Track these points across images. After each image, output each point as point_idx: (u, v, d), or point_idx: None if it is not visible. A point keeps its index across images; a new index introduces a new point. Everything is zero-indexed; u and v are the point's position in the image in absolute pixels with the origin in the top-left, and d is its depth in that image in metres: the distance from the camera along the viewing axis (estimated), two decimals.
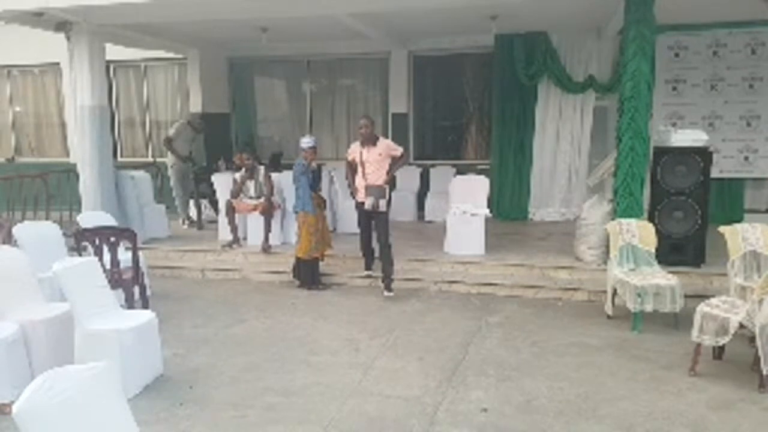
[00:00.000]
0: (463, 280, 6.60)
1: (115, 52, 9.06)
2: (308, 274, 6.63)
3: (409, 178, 9.95)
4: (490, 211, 7.48)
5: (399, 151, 6.37)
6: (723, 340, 4.17)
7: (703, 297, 4.74)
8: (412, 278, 6.70)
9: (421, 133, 10.50)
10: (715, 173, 7.18)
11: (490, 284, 6.49)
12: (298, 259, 6.63)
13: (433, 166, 9.97)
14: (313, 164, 6.58)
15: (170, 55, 10.27)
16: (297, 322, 5.63)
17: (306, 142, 6.52)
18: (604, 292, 5.72)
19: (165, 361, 4.50)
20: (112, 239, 5.33)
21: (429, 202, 9.42)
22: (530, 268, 6.67)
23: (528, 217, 9.46)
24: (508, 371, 4.44)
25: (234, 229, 7.57)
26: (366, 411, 3.83)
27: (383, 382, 4.28)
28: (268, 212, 7.39)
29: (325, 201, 7.04)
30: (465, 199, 7.29)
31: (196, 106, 10.05)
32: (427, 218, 9.32)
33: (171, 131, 8.89)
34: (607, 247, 5.80)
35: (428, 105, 10.46)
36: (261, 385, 4.22)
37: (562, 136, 9.30)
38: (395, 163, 6.37)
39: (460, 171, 9.02)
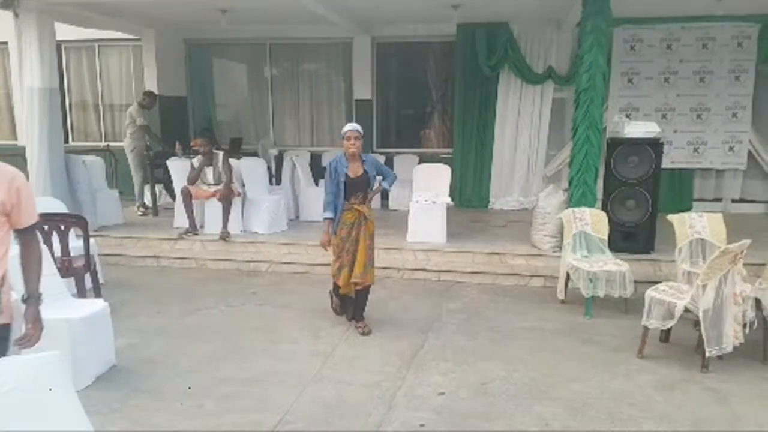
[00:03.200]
0: (425, 267, 6.66)
1: (66, 31, 8.75)
2: (333, 294, 5.28)
3: None
4: (452, 200, 7.54)
5: None
6: (669, 324, 4.34)
7: (652, 283, 4.89)
8: (375, 266, 6.70)
9: (385, 121, 10.50)
10: (666, 164, 7.41)
11: (451, 271, 6.57)
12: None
13: (397, 154, 10.00)
14: (362, 156, 4.83)
15: (125, 35, 9.98)
16: (257, 311, 5.59)
17: (349, 128, 4.77)
18: (558, 278, 5.86)
19: (118, 352, 4.41)
20: (62, 226, 5.18)
21: (393, 191, 9.41)
22: (490, 256, 6.77)
23: (489, 205, 9.59)
24: (466, 356, 4.52)
25: (191, 216, 7.43)
26: (325, 398, 3.84)
27: (343, 369, 4.30)
28: (226, 199, 7.29)
29: (363, 215, 4.81)
30: (428, 188, 7.34)
31: (151, 88, 9.81)
32: (391, 206, 9.34)
33: (139, 119, 8.64)
34: (562, 234, 5.94)
35: (392, 92, 10.46)
36: (218, 375, 4.18)
37: (522, 126, 9.43)
38: None
39: (424, 159, 9.06)
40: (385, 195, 9.56)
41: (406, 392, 3.92)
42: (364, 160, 4.83)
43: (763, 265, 4.46)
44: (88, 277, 5.38)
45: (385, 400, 3.81)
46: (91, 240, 5.51)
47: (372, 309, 5.54)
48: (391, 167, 9.93)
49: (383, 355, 4.51)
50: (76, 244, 5.41)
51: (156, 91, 9.42)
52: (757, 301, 4.34)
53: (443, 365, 4.34)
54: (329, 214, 4.79)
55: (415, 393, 3.90)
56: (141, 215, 8.76)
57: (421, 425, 3.49)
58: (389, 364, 4.35)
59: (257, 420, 3.56)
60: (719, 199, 9.28)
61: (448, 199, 7.30)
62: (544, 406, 3.74)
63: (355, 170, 4.78)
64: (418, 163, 8.64)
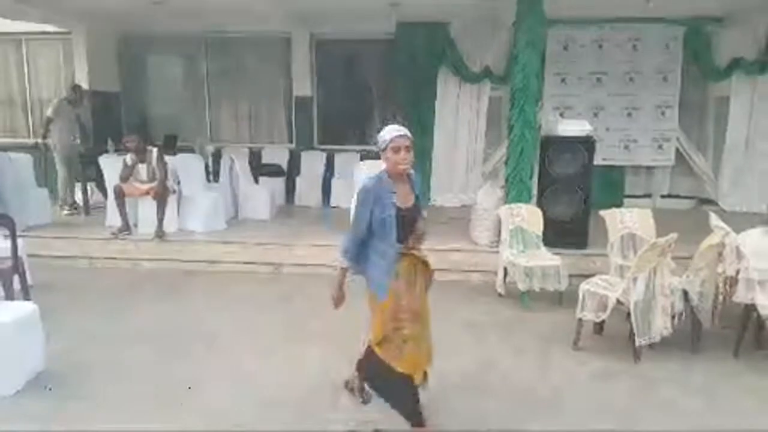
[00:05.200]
0: None
1: None
2: (385, 385, 3.32)
3: (314, 162, 9.92)
4: None
5: None
6: (602, 316, 4.51)
7: (586, 276, 5.05)
8: (318, 264, 6.67)
9: (325, 118, 10.42)
10: (598, 161, 7.68)
11: None
12: (369, 352, 3.34)
13: (338, 151, 9.96)
14: (411, 176, 3.34)
15: (54, 28, 9.54)
16: (196, 312, 5.45)
17: (395, 133, 3.19)
18: (497, 273, 5.99)
19: (50, 356, 4.21)
20: None
21: (334, 188, 9.43)
22: (430, 252, 6.78)
23: (429, 202, 9.69)
24: None
25: (124, 215, 7.16)
26: (267, 396, 3.80)
27: (285, 367, 4.25)
28: (161, 196, 7.06)
29: (421, 261, 3.37)
30: None
31: (82, 83, 9.41)
32: (332, 203, 9.31)
33: (49, 110, 8.35)
34: (500, 230, 6.07)
35: (333, 89, 10.38)
36: (155, 378, 4.06)
37: (461, 124, 9.58)
38: None
39: (365, 157, 9.06)
40: (327, 190, 9.56)
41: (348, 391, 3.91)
42: (413, 183, 3.33)
43: (691, 258, 4.68)
44: (16, 279, 5.13)
45: (327, 398, 3.79)
46: (19, 240, 5.24)
47: (315, 307, 5.49)
48: (333, 165, 9.96)
49: (326, 353, 4.48)
50: (2, 244, 5.14)
51: (86, 86, 9.05)
52: (685, 293, 4.56)
53: None
54: (347, 263, 3.26)
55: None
56: (67, 215, 8.38)
57: (366, 422, 3.50)
58: (332, 362, 4.32)
59: (197, 422, 3.48)
60: (649, 195, 9.70)
61: None
62: (486, 399, 3.81)
63: (405, 197, 3.24)
64: (360, 161, 8.64)
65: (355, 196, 3.16)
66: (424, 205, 3.35)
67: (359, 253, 3.23)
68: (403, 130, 3.20)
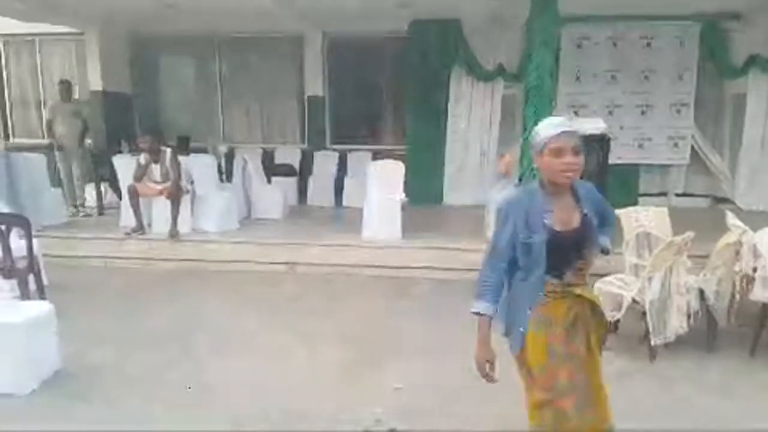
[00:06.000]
0: (381, 264, 6.65)
1: (3, 25, 8.38)
2: None
3: (326, 162, 9.93)
4: (407, 196, 7.58)
5: None
6: (617, 316, 4.45)
7: (600, 275, 4.99)
8: (330, 263, 6.68)
9: (337, 117, 10.43)
10: (613, 159, 7.61)
11: (407, 267, 6.58)
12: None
13: (350, 151, 9.97)
14: (576, 187, 2.44)
15: (67, 29, 9.63)
16: (209, 314, 5.46)
17: (557, 129, 2.39)
18: None
19: (64, 355, 4.24)
20: (3, 226, 4.95)
21: (347, 187, 9.44)
22: (444, 251, 6.81)
23: (443, 201, 9.66)
24: (421, 351, 4.52)
25: (138, 215, 7.22)
26: (280, 401, 3.78)
27: (298, 370, 4.24)
28: (175, 196, 7.10)
29: (590, 304, 2.54)
30: (382, 184, 7.34)
31: (95, 84, 9.52)
32: (344, 203, 9.32)
33: (47, 114, 8.49)
34: None
35: (345, 89, 10.41)
36: (169, 380, 4.06)
37: (474, 122, 9.55)
38: None
39: (377, 156, 9.07)
40: (339, 190, 9.56)
41: (361, 390, 3.90)
42: (579, 196, 2.45)
43: (707, 256, 4.62)
44: (31, 279, 5.17)
45: (340, 399, 3.78)
46: (34, 240, 5.29)
47: (329, 308, 5.51)
48: (345, 165, 9.96)
49: (339, 354, 4.46)
50: (17, 244, 5.18)
51: (99, 87, 9.14)
52: (701, 292, 4.50)
53: (399, 361, 4.33)
54: (483, 305, 2.58)
55: (371, 390, 3.88)
56: (71, 216, 8.32)
57: (377, 420, 3.49)
58: (345, 362, 4.32)
59: (208, 426, 3.49)
60: (664, 194, 9.60)
61: (403, 196, 7.33)
62: (499, 402, 3.77)
63: (566, 217, 2.40)
64: (372, 160, 8.64)
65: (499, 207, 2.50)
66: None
67: (501, 289, 2.53)
68: (570, 125, 2.39)
